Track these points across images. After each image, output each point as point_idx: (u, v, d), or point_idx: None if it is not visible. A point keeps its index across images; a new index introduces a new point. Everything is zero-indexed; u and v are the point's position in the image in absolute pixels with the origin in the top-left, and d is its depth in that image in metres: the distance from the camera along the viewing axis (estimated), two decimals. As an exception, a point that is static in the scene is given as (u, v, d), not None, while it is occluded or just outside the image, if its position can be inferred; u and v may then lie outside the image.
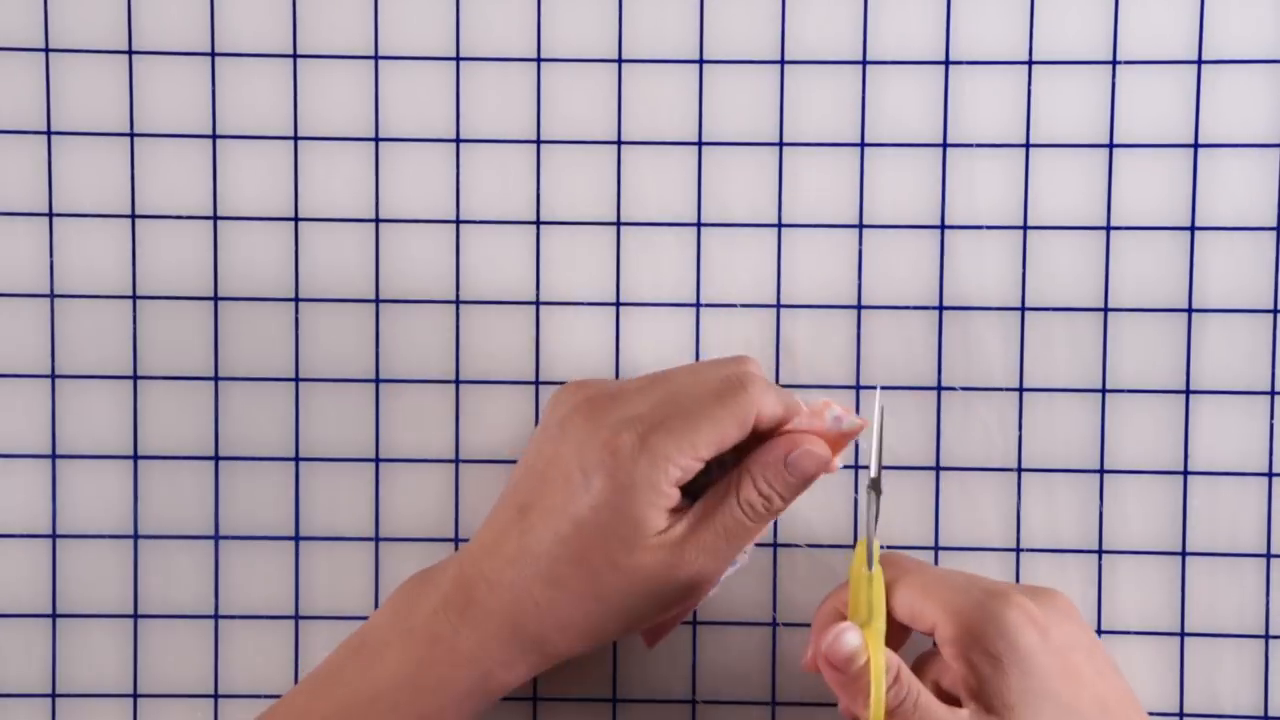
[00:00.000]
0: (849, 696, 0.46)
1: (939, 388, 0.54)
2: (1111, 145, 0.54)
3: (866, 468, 0.50)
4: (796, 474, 0.47)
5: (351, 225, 0.54)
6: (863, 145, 0.54)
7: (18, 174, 0.54)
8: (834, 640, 0.45)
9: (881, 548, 0.48)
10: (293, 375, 0.55)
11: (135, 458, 0.55)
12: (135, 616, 0.55)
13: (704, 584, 0.48)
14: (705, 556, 0.47)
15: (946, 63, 0.54)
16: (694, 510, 0.47)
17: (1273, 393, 0.54)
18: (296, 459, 0.55)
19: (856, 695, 0.45)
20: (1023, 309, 0.54)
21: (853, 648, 0.45)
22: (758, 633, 0.55)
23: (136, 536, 0.55)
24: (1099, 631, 0.54)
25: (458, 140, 0.54)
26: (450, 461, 0.55)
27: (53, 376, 0.55)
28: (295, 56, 0.54)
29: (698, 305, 0.54)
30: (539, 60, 0.54)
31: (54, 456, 0.55)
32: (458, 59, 0.54)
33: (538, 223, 0.54)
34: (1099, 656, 0.47)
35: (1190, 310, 0.54)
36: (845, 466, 0.54)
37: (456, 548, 0.55)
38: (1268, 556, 0.54)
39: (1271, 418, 0.54)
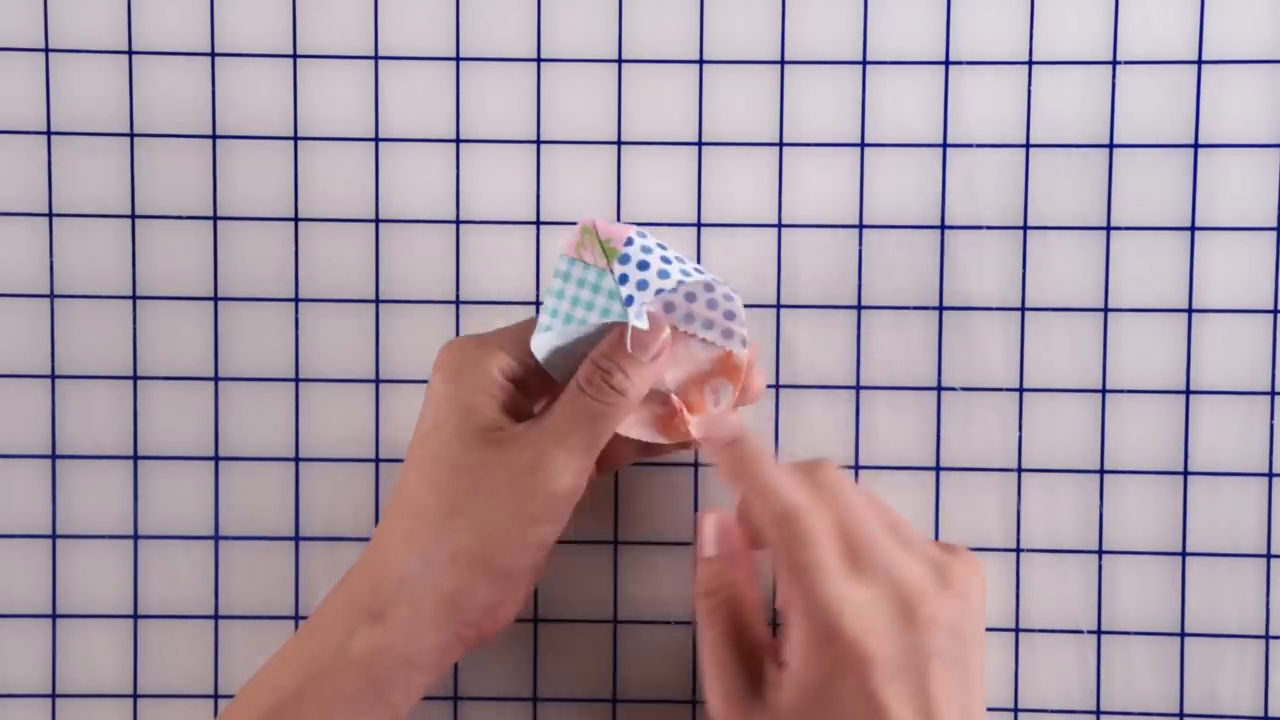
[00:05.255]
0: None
1: (939, 388, 0.54)
2: (1111, 145, 0.54)
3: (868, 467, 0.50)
4: (636, 346, 0.46)
5: (351, 225, 0.54)
6: (863, 145, 0.54)
7: (18, 174, 0.54)
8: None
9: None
10: (293, 375, 0.55)
11: (135, 458, 0.55)
12: (135, 616, 0.55)
13: (554, 479, 0.45)
14: (549, 440, 0.45)
15: (946, 63, 0.54)
16: (542, 407, 0.47)
17: (1273, 393, 0.54)
18: (296, 459, 0.55)
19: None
20: (1023, 309, 0.54)
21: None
22: (758, 633, 0.55)
23: (136, 536, 0.55)
24: (1099, 631, 0.55)
25: (458, 140, 0.54)
26: (450, 461, 0.55)
27: (53, 376, 0.55)
28: (295, 56, 0.54)
29: (698, 305, 0.54)
30: (539, 60, 0.54)
31: (54, 456, 0.55)
32: (458, 59, 0.54)
33: (538, 223, 0.54)
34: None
35: (1190, 310, 0.54)
36: (853, 466, 0.54)
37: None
38: (1268, 556, 0.54)
39: (1271, 418, 0.54)
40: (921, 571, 0.45)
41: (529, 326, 0.47)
